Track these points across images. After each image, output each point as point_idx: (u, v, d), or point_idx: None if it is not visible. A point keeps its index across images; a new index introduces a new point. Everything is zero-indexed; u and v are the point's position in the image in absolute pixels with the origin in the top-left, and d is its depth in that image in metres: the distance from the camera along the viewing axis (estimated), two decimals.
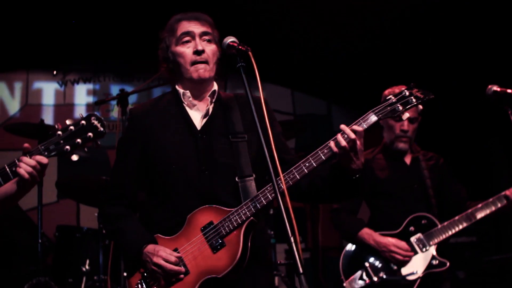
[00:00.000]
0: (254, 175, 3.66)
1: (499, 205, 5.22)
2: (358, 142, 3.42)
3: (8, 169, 3.26)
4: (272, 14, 8.20)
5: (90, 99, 9.80)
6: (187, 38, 3.76)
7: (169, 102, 3.86)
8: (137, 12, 8.42)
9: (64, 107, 9.70)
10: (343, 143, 3.40)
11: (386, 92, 5.31)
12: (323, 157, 3.48)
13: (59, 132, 3.22)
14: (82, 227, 7.32)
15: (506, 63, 7.70)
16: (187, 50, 3.75)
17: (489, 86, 4.78)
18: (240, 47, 3.47)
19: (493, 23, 7.52)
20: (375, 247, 5.32)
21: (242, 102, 3.82)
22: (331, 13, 8.24)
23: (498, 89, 4.72)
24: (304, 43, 9.12)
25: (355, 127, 3.43)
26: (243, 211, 3.51)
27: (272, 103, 3.92)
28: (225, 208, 3.56)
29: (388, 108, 3.49)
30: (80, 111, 9.64)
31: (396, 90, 4.85)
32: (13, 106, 9.56)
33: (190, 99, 3.81)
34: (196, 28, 3.78)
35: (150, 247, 3.59)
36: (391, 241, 5.27)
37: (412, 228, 5.34)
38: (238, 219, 3.51)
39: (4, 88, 9.58)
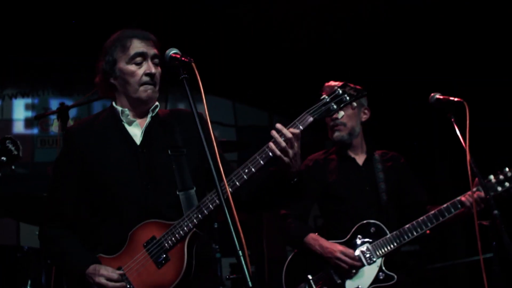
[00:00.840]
0: (195, 188, 3.64)
1: (453, 211, 4.81)
2: (295, 144, 3.38)
3: None
4: (211, 25, 8.19)
5: (29, 114, 9.62)
6: (139, 59, 3.72)
7: (107, 119, 3.81)
8: (75, 25, 8.30)
9: (1, 122, 9.50)
10: (282, 144, 3.36)
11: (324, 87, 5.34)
12: (261, 161, 3.45)
13: None
14: (23, 246, 7.13)
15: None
16: (138, 71, 3.71)
17: (432, 94, 4.74)
18: (183, 58, 3.45)
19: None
20: (321, 254, 4.97)
21: (179, 117, 3.82)
22: (268, 24, 8.28)
23: (441, 97, 4.68)
24: (243, 54, 9.13)
25: (292, 130, 3.39)
26: (185, 223, 3.47)
27: (213, 115, 3.92)
28: (167, 222, 3.52)
29: (323, 107, 3.49)
30: (18, 126, 9.48)
31: (332, 83, 5.10)
32: None
33: (129, 116, 3.78)
34: (149, 49, 3.75)
35: (91, 268, 3.52)
36: (338, 248, 4.91)
37: (360, 236, 5.01)
38: (181, 231, 3.47)
39: None
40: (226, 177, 3.26)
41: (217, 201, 3.40)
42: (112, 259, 3.57)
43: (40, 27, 8.27)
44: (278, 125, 3.42)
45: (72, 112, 7.36)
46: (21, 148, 3.19)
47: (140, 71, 3.71)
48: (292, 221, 5.21)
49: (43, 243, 3.85)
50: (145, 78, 3.70)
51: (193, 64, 3.38)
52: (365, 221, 5.02)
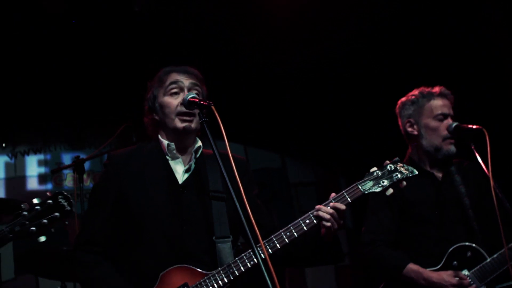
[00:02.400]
0: (231, 237, 3.59)
1: None
2: (340, 217, 3.47)
3: None
4: (222, 73, 8.24)
5: (42, 170, 9.61)
6: (175, 90, 3.71)
7: (151, 152, 3.77)
8: (84, 80, 8.39)
9: (15, 180, 9.49)
10: (327, 216, 3.43)
11: (400, 102, 5.04)
12: (304, 228, 3.47)
13: (25, 213, 3.14)
14: None
15: None
16: (174, 101, 3.69)
17: (450, 122, 4.73)
18: (201, 102, 3.46)
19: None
20: (426, 283, 4.49)
21: (224, 161, 3.55)
22: (280, 67, 8.34)
23: (460, 125, 4.67)
24: (254, 99, 9.17)
25: (338, 205, 3.46)
26: (220, 277, 3.42)
27: None
28: (201, 271, 3.47)
29: (373, 182, 3.55)
30: (32, 183, 9.46)
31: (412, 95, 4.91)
32: None
33: (174, 151, 3.73)
34: (185, 79, 3.74)
35: None
36: (448, 277, 4.45)
37: (455, 263, 4.56)
38: (215, 284, 3.41)
39: None
40: (261, 231, 3.24)
41: (255, 260, 3.36)
42: None
43: (50, 86, 8.35)
44: (331, 205, 3.48)
45: (86, 165, 7.43)
46: (74, 203, 3.19)
47: (176, 101, 3.68)
48: (384, 249, 4.77)
49: (75, 268, 3.76)
50: (181, 108, 3.65)
51: (213, 107, 3.39)
52: (458, 244, 4.61)
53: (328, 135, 9.62)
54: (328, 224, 3.44)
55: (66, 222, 3.24)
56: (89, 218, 3.75)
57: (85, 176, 6.66)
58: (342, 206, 3.47)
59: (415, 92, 4.94)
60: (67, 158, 9.58)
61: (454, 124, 4.72)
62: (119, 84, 8.32)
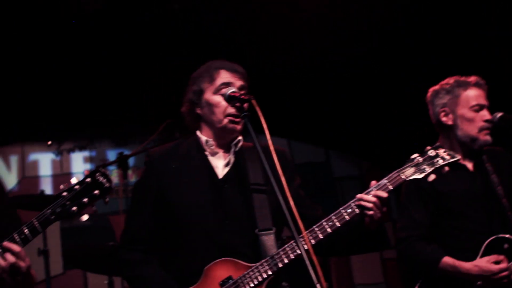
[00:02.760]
0: (274, 229, 3.56)
1: None
2: (383, 204, 3.44)
3: None
4: (263, 65, 8.23)
5: (88, 167, 9.74)
6: (225, 90, 3.67)
7: (190, 148, 3.76)
8: (127, 78, 8.45)
9: (62, 177, 9.62)
10: (369, 205, 3.41)
11: (431, 90, 4.89)
12: (346, 217, 3.46)
13: (64, 193, 3.14)
14: None
15: None
16: (224, 102, 3.65)
17: (495, 113, 4.61)
18: (242, 96, 3.45)
19: None
20: (465, 276, 4.34)
21: (264, 152, 3.50)
22: (323, 61, 8.30)
23: (505, 115, 4.56)
24: (297, 91, 9.14)
25: (380, 193, 3.43)
26: (264, 268, 3.41)
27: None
28: (244, 263, 3.46)
29: (415, 168, 3.53)
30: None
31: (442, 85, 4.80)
32: (11, 179, 9.48)
33: (213, 147, 3.72)
34: (235, 80, 3.71)
35: None
36: (487, 265, 4.27)
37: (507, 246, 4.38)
38: (259, 277, 3.41)
39: (0, 162, 9.52)
40: (305, 222, 3.25)
41: (298, 251, 3.35)
42: None
43: (94, 83, 8.44)
44: (371, 193, 3.46)
45: (130, 162, 7.49)
46: (112, 180, 3.20)
47: (225, 102, 3.66)
48: (419, 244, 4.59)
49: (121, 266, 3.78)
50: (231, 109, 3.64)
51: (253, 101, 3.38)
52: (494, 237, 4.40)
53: (372, 128, 9.54)
54: (371, 212, 3.42)
55: (107, 199, 3.23)
56: (132, 217, 3.76)
57: (129, 172, 6.72)
58: (384, 194, 3.43)
59: (450, 80, 4.79)
60: (112, 155, 9.70)
61: (499, 115, 4.61)
62: (162, 81, 8.35)
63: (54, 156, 9.73)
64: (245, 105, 3.57)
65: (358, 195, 3.49)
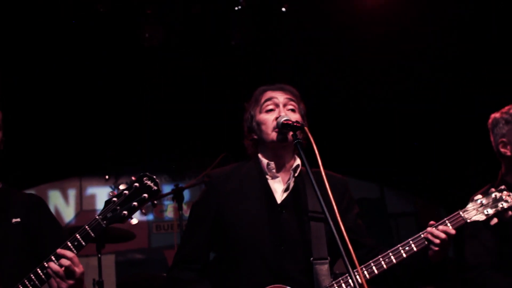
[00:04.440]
0: (329, 258, 3.52)
1: None
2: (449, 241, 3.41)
3: (41, 273, 3.23)
4: (319, 103, 8.26)
5: None
6: (270, 106, 3.68)
7: (250, 171, 3.74)
8: (184, 114, 8.57)
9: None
10: (437, 240, 3.38)
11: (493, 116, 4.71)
12: (404, 255, 3.42)
13: (114, 199, 3.20)
14: None
15: None
16: (270, 117, 3.64)
17: None
18: (295, 123, 3.46)
19: None
20: None
21: (321, 180, 3.37)
22: (378, 99, 8.31)
23: None
24: (352, 129, 9.15)
25: (448, 229, 3.41)
26: None
27: None
28: None
29: (477, 211, 3.48)
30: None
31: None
32: (68, 213, 9.67)
33: (274, 170, 3.68)
34: (280, 95, 3.72)
35: None
36: None
37: None
38: None
39: (59, 196, 9.73)
40: (361, 252, 3.25)
41: (351, 284, 3.27)
42: None
43: (148, 118, 8.59)
44: (430, 229, 3.43)
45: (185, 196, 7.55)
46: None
47: (272, 117, 3.63)
48: (496, 275, 4.43)
49: (171, 284, 3.74)
50: (276, 123, 3.61)
51: (306, 128, 3.39)
52: None
53: (428, 164, 9.45)
54: (437, 248, 3.39)
55: (156, 202, 3.27)
56: (188, 236, 3.76)
57: (184, 206, 6.76)
58: (452, 231, 3.40)
59: (510, 110, 4.68)
60: (167, 190, 9.76)
61: None
62: (218, 116, 8.44)
63: (111, 190, 9.86)
64: (292, 119, 3.56)
65: (429, 229, 3.43)
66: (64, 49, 7.23)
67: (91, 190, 9.91)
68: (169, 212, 9.54)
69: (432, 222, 3.46)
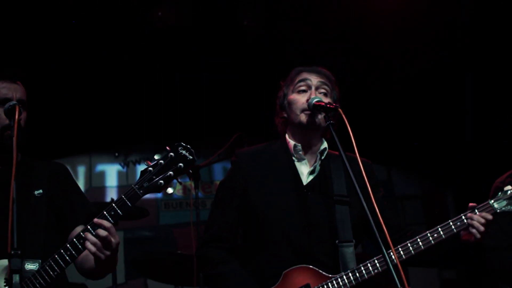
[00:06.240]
0: (354, 241, 3.57)
1: None
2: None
3: (77, 242, 3.24)
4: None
5: None
6: (303, 87, 3.72)
7: (278, 152, 3.79)
8: (196, 91, 8.57)
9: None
10: (478, 225, 3.46)
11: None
12: (432, 241, 3.47)
13: (150, 168, 3.21)
14: None
15: None
16: (301, 98, 3.68)
17: None
18: (328, 105, 3.48)
19: None
20: None
21: (349, 163, 3.48)
22: (386, 82, 8.31)
23: None
24: (360, 112, 9.15)
25: (485, 215, 3.48)
26: (343, 281, 3.43)
27: None
28: (324, 273, 3.48)
29: (507, 201, 3.53)
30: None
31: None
32: None
33: (301, 152, 3.73)
34: (314, 78, 3.74)
35: None
36: None
37: None
38: None
39: None
40: (390, 233, 3.22)
41: (378, 268, 3.39)
42: None
43: (162, 97, 8.58)
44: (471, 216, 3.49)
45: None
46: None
47: (303, 98, 3.67)
48: (509, 254, 4.58)
49: (201, 263, 3.80)
50: (306, 105, 3.65)
51: (340, 110, 3.42)
52: None
53: (435, 147, 9.46)
54: (477, 232, 3.46)
55: (190, 171, 3.29)
56: (216, 215, 3.80)
57: (192, 184, 6.72)
58: (490, 216, 3.47)
59: None
60: None
61: None
62: (233, 93, 8.42)
63: (120, 167, 9.89)
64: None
65: (469, 214, 3.49)
66: (76, 25, 7.19)
67: (100, 167, 9.89)
68: (178, 190, 9.55)
69: (472, 204, 3.52)
